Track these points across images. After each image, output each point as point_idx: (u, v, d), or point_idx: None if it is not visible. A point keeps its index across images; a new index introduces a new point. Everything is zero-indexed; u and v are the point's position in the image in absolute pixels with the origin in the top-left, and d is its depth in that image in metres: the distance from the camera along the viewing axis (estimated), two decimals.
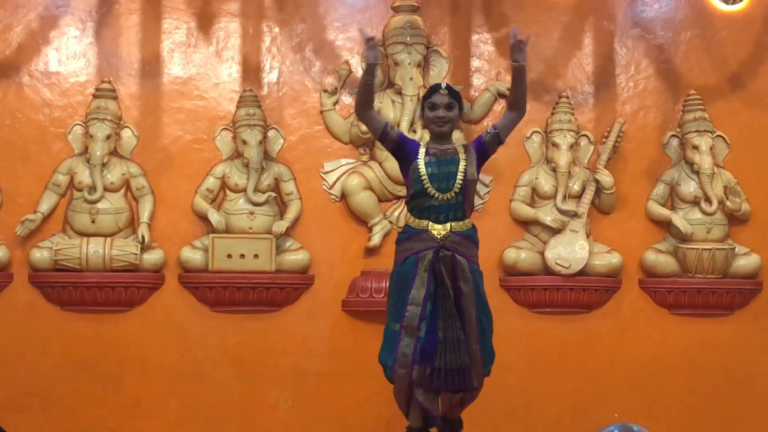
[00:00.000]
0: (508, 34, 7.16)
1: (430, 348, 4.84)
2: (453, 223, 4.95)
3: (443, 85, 5.11)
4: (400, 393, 5.00)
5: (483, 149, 5.09)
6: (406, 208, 5.18)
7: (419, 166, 4.96)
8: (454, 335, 4.87)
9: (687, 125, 7.15)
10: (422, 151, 5.02)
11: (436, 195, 4.92)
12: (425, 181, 4.93)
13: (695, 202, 7.11)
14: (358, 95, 5.06)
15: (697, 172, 7.08)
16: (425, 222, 4.96)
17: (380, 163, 7.03)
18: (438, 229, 4.94)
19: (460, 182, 4.94)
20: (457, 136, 6.45)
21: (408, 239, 5.01)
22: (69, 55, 7.02)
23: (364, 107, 5.04)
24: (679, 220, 7.05)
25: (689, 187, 7.12)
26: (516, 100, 5.12)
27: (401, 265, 4.99)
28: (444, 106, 5.03)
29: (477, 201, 6.99)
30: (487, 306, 5.11)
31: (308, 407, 6.87)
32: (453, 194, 4.93)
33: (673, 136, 7.23)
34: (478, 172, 5.08)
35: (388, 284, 5.26)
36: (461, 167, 4.96)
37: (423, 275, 4.89)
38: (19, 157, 6.91)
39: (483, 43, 7.30)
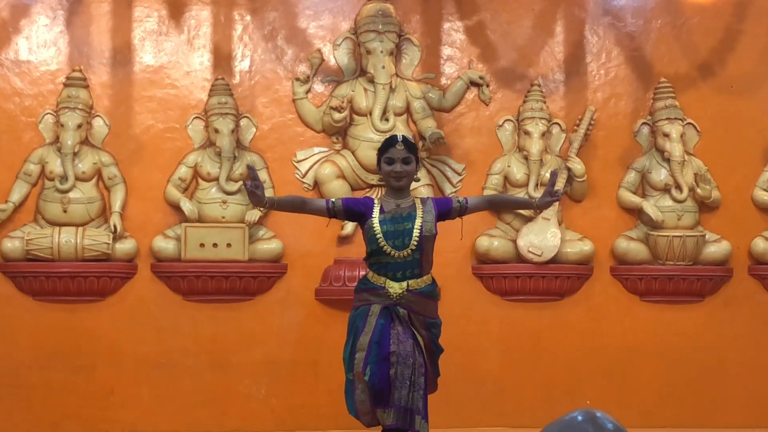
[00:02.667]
0: (479, 23, 7.26)
1: (380, 386, 4.78)
2: (410, 281, 4.85)
3: (399, 138, 4.95)
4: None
5: (445, 212, 4.98)
6: (366, 263, 5.01)
7: (374, 225, 4.85)
8: (404, 373, 4.79)
9: (658, 113, 7.19)
10: (377, 208, 4.90)
11: (392, 253, 4.82)
12: (380, 239, 4.83)
13: (666, 190, 7.15)
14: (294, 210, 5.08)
15: (668, 160, 7.12)
16: (382, 279, 4.87)
17: (353, 152, 7.03)
18: (394, 287, 4.84)
19: (416, 239, 4.83)
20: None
21: (365, 291, 4.95)
22: (39, 44, 6.97)
23: (300, 210, 5.03)
24: (650, 207, 7.10)
25: (660, 175, 7.17)
26: (502, 208, 5.13)
27: (355, 311, 4.95)
28: (401, 160, 4.88)
29: (449, 189, 7.06)
30: (437, 354, 5.05)
31: (282, 395, 6.88)
32: (409, 251, 4.83)
33: (644, 123, 7.28)
34: (435, 228, 4.95)
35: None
36: (417, 224, 4.86)
37: (371, 321, 4.83)
38: None
39: (455, 31, 7.30)
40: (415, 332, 4.86)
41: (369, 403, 4.79)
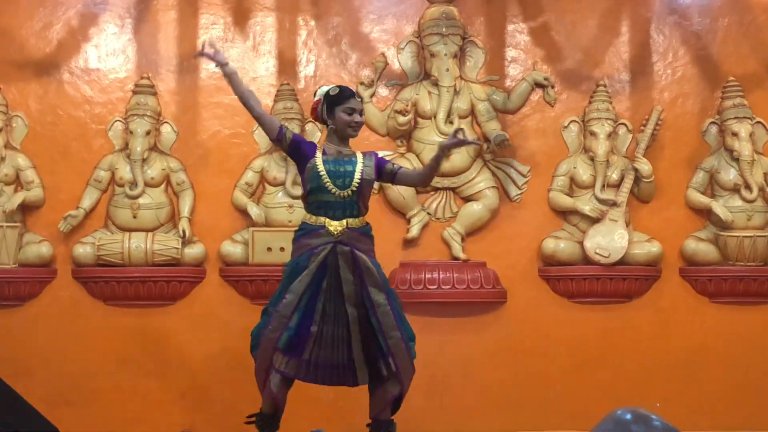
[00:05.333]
0: (544, 24, 7.23)
1: (299, 340, 4.92)
2: (349, 220, 5.01)
3: (354, 91, 5.20)
4: (259, 372, 5.16)
5: (381, 169, 5.15)
6: (303, 206, 5.20)
7: (317, 163, 5.01)
8: (334, 332, 4.95)
9: (726, 112, 7.10)
10: (319, 151, 5.07)
11: (334, 191, 4.98)
12: (324, 176, 4.99)
13: (735, 190, 7.06)
14: (244, 101, 5.11)
15: (737, 159, 7.03)
16: (322, 219, 5.01)
17: (417, 155, 7.04)
18: (334, 225, 4.98)
19: (358, 181, 5.01)
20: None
21: (304, 236, 5.06)
22: (108, 52, 7.08)
23: (249, 107, 5.10)
24: (719, 207, 7.01)
25: (729, 175, 7.08)
26: (428, 176, 5.25)
27: (296, 260, 5.05)
28: (359, 111, 5.11)
29: (515, 191, 7.04)
30: (395, 294, 5.21)
31: (345, 399, 6.89)
32: (350, 192, 5.00)
33: (712, 123, 7.19)
34: (375, 175, 5.11)
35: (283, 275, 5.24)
36: (358, 167, 5.04)
37: (312, 269, 4.95)
38: (60, 154, 6.99)
39: (519, 33, 7.28)
40: (363, 295, 4.96)
41: (275, 342, 4.93)
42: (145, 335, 6.87)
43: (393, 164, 5.23)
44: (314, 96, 5.27)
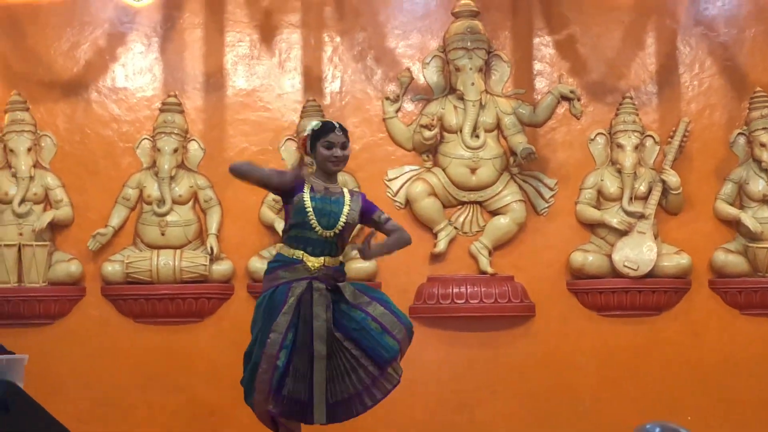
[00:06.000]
0: (569, 37, 7.22)
1: (284, 379, 4.80)
2: (327, 258, 4.90)
3: (337, 125, 5.02)
4: (262, 417, 5.00)
5: (366, 215, 5.03)
6: (282, 238, 5.10)
7: (305, 199, 4.88)
8: (301, 366, 4.80)
9: (754, 123, 7.06)
10: (307, 186, 4.94)
11: (318, 230, 4.87)
12: (310, 213, 4.87)
13: (764, 201, 7.01)
14: (246, 171, 4.98)
15: (766, 170, 6.99)
16: (299, 252, 4.90)
17: (444, 169, 7.04)
18: (312, 261, 4.88)
19: (342, 224, 4.91)
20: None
21: (279, 268, 4.95)
22: (135, 71, 7.14)
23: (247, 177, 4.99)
24: (748, 219, 6.97)
25: (758, 186, 7.03)
26: (395, 245, 5.08)
27: (271, 293, 4.91)
28: (340, 145, 4.96)
29: (542, 204, 7.03)
30: (380, 294, 5.07)
31: (376, 415, 6.87)
32: (333, 233, 4.89)
33: (740, 134, 7.15)
34: (358, 219, 5.00)
35: (254, 315, 5.05)
36: (345, 210, 4.93)
37: (291, 304, 4.82)
38: (88, 173, 7.05)
39: (544, 46, 7.28)
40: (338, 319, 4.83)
41: (269, 386, 4.79)
42: (174, 352, 6.90)
43: (381, 215, 5.06)
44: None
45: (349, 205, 4.97)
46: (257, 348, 4.88)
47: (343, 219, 4.92)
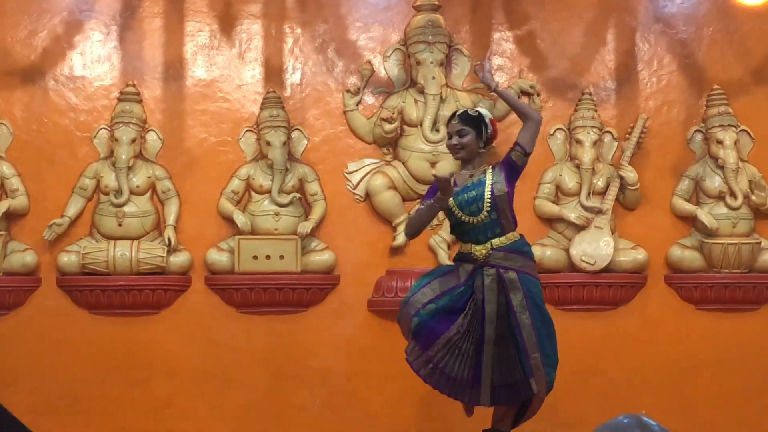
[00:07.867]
0: (529, 32, 7.24)
1: (427, 334, 4.97)
2: (494, 240, 5.01)
3: (458, 113, 5.18)
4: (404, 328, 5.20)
5: (510, 165, 5.09)
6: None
7: (449, 200, 5.03)
8: (467, 348, 4.95)
9: (711, 120, 7.12)
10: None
11: (468, 219, 5.02)
12: (456, 211, 5.05)
13: (720, 197, 7.08)
14: (419, 221, 5.15)
15: (722, 167, 7.05)
16: (468, 246, 5.06)
17: (404, 163, 7.04)
18: (479, 249, 5.01)
19: (489, 201, 5.00)
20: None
21: (457, 260, 5.19)
22: (93, 59, 7.07)
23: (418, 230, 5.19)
24: (704, 215, 7.03)
25: (714, 182, 7.10)
26: (520, 114, 5.21)
27: (453, 266, 5.18)
28: (455, 133, 5.10)
29: None
30: (545, 314, 5.11)
31: (337, 407, 6.89)
32: (485, 214, 4.99)
33: (697, 131, 7.21)
34: (512, 186, 5.08)
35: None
36: (487, 187, 5.02)
37: (462, 282, 4.99)
38: (45, 162, 6.96)
39: (504, 41, 7.30)
40: (508, 308, 4.94)
41: (409, 319, 5.02)
42: (131, 344, 6.85)
43: (513, 149, 5.06)
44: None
45: (491, 179, 5.04)
46: (423, 277, 5.14)
47: (487, 197, 4.99)
